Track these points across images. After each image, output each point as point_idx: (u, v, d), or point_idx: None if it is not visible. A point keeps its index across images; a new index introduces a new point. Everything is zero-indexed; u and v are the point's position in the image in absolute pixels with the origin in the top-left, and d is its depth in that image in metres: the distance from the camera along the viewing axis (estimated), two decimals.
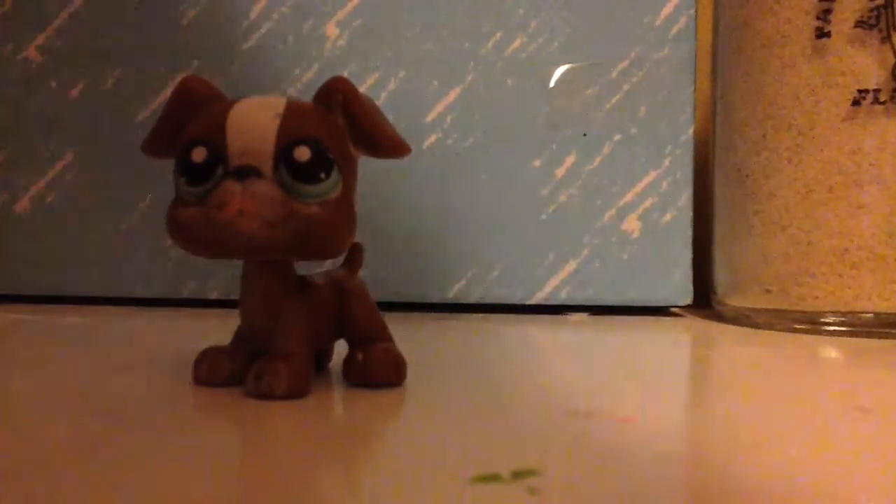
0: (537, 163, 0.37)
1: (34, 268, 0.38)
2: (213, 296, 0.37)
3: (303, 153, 0.16)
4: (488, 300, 0.37)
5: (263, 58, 0.37)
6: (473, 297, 0.37)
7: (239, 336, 0.19)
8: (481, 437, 0.14)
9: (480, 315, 0.36)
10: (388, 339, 0.20)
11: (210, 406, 0.17)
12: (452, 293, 0.37)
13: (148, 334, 0.29)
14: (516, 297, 0.37)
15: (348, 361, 0.19)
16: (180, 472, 0.12)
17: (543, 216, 0.37)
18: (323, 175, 0.16)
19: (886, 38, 0.30)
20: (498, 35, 0.37)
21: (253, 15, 0.37)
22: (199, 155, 0.16)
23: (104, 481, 0.12)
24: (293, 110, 0.17)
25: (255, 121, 0.16)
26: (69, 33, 0.38)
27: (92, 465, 0.12)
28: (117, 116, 0.38)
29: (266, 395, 0.17)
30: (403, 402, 0.18)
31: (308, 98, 0.18)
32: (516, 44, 0.37)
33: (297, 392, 0.17)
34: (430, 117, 0.37)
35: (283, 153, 0.16)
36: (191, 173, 0.16)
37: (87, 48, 0.38)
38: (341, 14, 0.37)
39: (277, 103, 0.17)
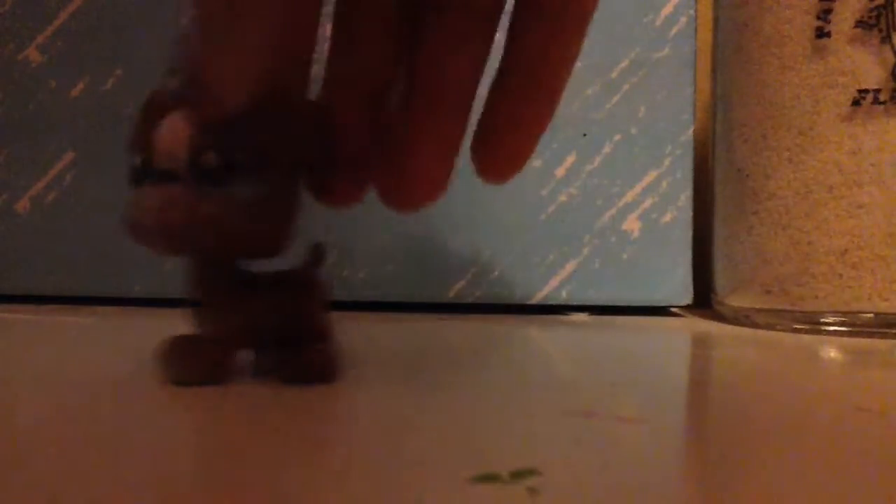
0: (537, 163, 0.37)
1: (34, 268, 0.38)
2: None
3: (209, 159, 0.17)
4: (488, 300, 0.37)
5: None
6: (473, 297, 0.37)
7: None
8: (481, 437, 0.14)
9: (480, 315, 0.36)
10: (330, 338, 0.20)
11: (210, 404, 0.17)
12: (452, 293, 0.37)
13: (148, 334, 0.29)
14: (516, 297, 0.37)
15: (282, 358, 0.19)
16: (182, 469, 0.12)
17: (543, 216, 0.37)
18: (231, 179, 0.17)
19: (886, 38, 0.30)
20: (497, 35, 0.37)
21: None
22: (137, 159, 0.18)
23: (105, 479, 0.12)
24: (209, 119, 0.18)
25: (176, 129, 0.17)
26: (69, 33, 0.38)
27: (91, 463, 0.12)
28: (117, 116, 0.38)
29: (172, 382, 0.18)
30: (403, 402, 0.18)
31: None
32: None
33: (196, 380, 0.18)
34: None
35: (193, 158, 0.17)
36: (132, 175, 0.18)
37: (87, 48, 0.38)
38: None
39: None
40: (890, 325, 0.30)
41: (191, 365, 0.18)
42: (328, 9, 0.40)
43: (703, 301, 0.38)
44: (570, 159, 0.37)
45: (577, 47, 0.18)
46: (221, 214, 0.17)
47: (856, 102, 0.30)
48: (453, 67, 0.18)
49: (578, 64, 0.37)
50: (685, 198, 0.37)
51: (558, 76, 0.18)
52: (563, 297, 0.37)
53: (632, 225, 0.37)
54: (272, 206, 0.18)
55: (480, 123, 0.19)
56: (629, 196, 0.37)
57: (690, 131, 0.37)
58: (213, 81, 0.16)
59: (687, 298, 0.37)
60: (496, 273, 0.37)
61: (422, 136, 0.19)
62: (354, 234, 0.36)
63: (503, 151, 0.19)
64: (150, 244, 0.18)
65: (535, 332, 0.31)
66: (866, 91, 0.30)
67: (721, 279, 0.36)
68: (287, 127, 0.18)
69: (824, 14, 0.31)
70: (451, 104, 0.18)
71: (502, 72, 0.18)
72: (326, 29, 0.39)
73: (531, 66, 0.18)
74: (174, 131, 0.17)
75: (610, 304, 0.37)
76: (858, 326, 0.31)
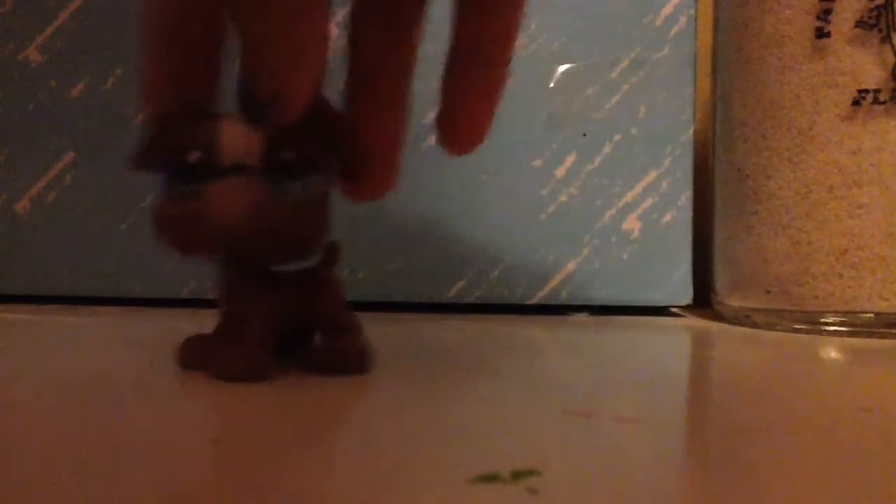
0: (537, 163, 0.37)
1: (34, 268, 0.38)
2: (212, 296, 0.37)
3: (288, 156, 0.18)
4: (488, 300, 0.37)
5: None
6: (473, 297, 0.37)
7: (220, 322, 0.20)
8: (481, 437, 0.14)
9: (480, 315, 0.36)
10: (355, 330, 0.21)
11: (208, 401, 0.17)
12: (452, 293, 0.37)
13: (148, 334, 0.29)
14: (516, 297, 0.37)
15: (309, 350, 0.20)
16: (181, 467, 0.12)
17: (543, 216, 0.37)
18: (305, 178, 0.18)
19: (886, 38, 0.30)
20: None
21: None
22: (194, 157, 0.17)
23: (105, 480, 0.12)
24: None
25: (247, 126, 0.18)
26: (69, 33, 0.38)
27: (91, 464, 0.12)
28: (117, 116, 0.38)
29: (218, 377, 0.19)
30: (403, 402, 0.18)
31: None
32: (516, 44, 0.37)
33: (245, 376, 0.18)
34: (430, 117, 0.37)
35: (270, 155, 0.18)
36: (185, 173, 0.18)
37: (87, 48, 0.38)
38: (340, 14, 0.37)
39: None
40: (890, 325, 0.30)
41: (240, 364, 0.19)
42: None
43: (703, 301, 0.38)
44: (570, 159, 0.37)
45: (519, 22, 0.20)
46: (296, 213, 0.18)
47: (856, 102, 0.30)
48: (387, 58, 0.20)
49: (578, 64, 0.37)
50: (685, 198, 0.37)
51: (506, 50, 0.20)
52: (563, 297, 0.37)
53: (632, 225, 0.37)
54: (325, 208, 0.19)
55: (442, 102, 0.20)
56: (629, 196, 0.37)
57: (690, 131, 0.37)
58: (289, 87, 0.17)
59: (687, 298, 0.37)
60: (496, 273, 0.37)
61: (366, 127, 0.20)
62: (354, 235, 0.36)
63: (465, 125, 0.20)
64: (217, 238, 0.18)
65: (535, 332, 0.31)
66: (866, 91, 0.30)
67: (721, 279, 0.36)
68: (329, 129, 0.19)
69: (824, 14, 0.31)
70: (389, 94, 0.20)
71: (454, 53, 0.20)
72: (329, 29, 0.38)
73: (479, 48, 0.19)
74: (242, 130, 0.17)
75: (610, 304, 0.37)
76: (858, 326, 0.31)
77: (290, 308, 0.20)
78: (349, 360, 0.20)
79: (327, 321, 0.20)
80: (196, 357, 0.20)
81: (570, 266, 0.37)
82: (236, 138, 0.17)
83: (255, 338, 0.19)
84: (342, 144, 0.19)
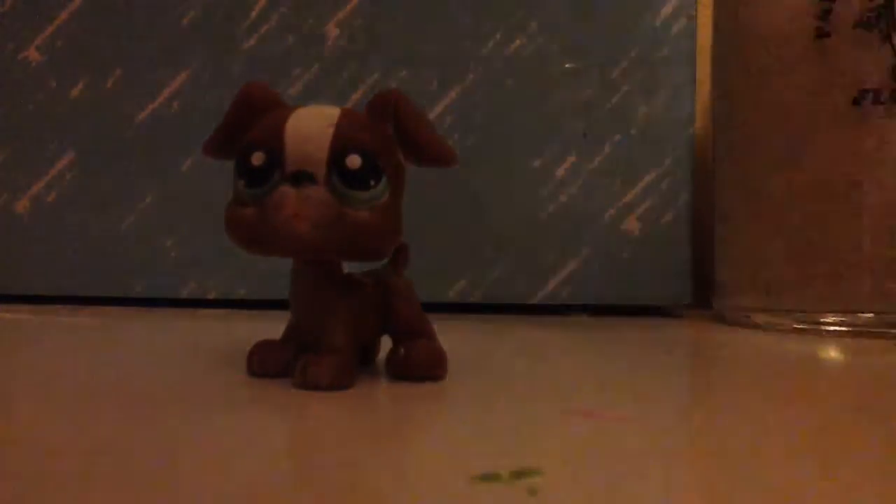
0: (537, 163, 0.37)
1: (34, 268, 0.38)
2: (212, 296, 0.37)
3: (354, 161, 0.17)
4: (488, 300, 0.37)
5: (263, 58, 0.37)
6: (473, 297, 0.37)
7: (290, 330, 0.20)
8: (481, 437, 0.14)
9: (480, 315, 0.36)
10: (431, 335, 0.20)
11: (200, 401, 0.17)
12: (452, 293, 0.37)
13: (148, 334, 0.29)
14: (516, 297, 0.37)
15: (391, 356, 0.20)
16: (179, 469, 0.12)
17: (543, 216, 0.37)
18: (372, 182, 0.17)
19: (886, 38, 0.30)
20: (498, 35, 0.37)
21: (253, 15, 0.37)
22: (258, 159, 0.17)
23: (107, 482, 0.12)
24: (347, 120, 0.17)
25: (311, 129, 0.17)
26: (69, 33, 0.38)
27: (93, 466, 0.12)
28: (117, 116, 0.38)
29: (311, 386, 0.18)
30: (403, 402, 0.18)
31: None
32: (516, 44, 0.37)
33: (340, 384, 0.18)
34: (430, 117, 0.37)
35: (335, 160, 0.17)
36: (250, 176, 0.17)
37: (87, 48, 0.38)
38: (341, 14, 0.37)
39: (332, 113, 0.18)
40: (890, 325, 0.30)
41: (336, 372, 0.18)
42: (324, 9, 0.40)
43: (703, 301, 0.38)
44: (570, 159, 0.37)
45: None
46: (366, 220, 0.17)
47: (856, 102, 0.30)
48: None
49: (578, 64, 0.37)
50: (685, 198, 0.37)
51: None
52: (563, 297, 0.37)
53: (632, 225, 0.37)
54: (393, 213, 0.18)
55: None
56: (629, 196, 0.37)
57: (690, 131, 0.37)
58: None
59: (687, 298, 0.37)
60: (496, 273, 0.37)
61: None
62: None
63: None
64: (276, 248, 0.17)
65: (535, 332, 0.31)
66: (866, 91, 0.30)
67: (721, 279, 0.36)
68: (398, 123, 0.18)
69: (824, 14, 0.31)
70: None
71: None
72: (327, 28, 0.39)
73: None
74: (311, 130, 0.17)
75: (610, 304, 0.37)
76: (858, 326, 0.31)
77: (367, 314, 0.20)
78: (423, 366, 0.19)
79: (401, 327, 0.20)
80: (270, 364, 0.19)
81: (570, 266, 0.37)
82: (300, 139, 0.17)
83: (348, 346, 0.19)
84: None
